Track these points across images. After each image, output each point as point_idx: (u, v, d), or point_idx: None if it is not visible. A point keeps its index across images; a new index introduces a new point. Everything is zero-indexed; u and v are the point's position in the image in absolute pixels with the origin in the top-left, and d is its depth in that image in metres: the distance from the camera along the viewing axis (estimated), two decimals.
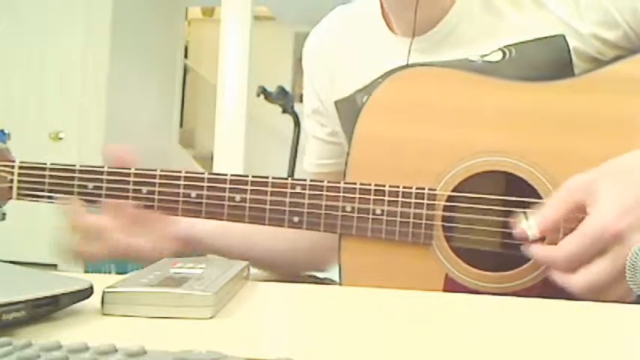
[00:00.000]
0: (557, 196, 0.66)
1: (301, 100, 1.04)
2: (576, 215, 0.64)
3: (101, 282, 0.49)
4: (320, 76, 0.97)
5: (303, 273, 0.99)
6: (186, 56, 7.26)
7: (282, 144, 4.87)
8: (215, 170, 4.04)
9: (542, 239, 0.66)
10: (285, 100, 3.95)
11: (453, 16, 0.81)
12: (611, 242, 0.60)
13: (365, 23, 0.90)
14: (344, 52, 0.93)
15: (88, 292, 0.47)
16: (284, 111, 3.97)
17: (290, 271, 0.97)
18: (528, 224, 0.65)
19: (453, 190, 0.73)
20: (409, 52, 0.83)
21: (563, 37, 0.76)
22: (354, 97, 0.89)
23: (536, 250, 0.65)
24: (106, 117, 5.13)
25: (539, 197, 0.70)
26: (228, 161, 4.23)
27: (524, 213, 0.67)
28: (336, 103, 0.93)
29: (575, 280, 0.62)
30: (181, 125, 6.79)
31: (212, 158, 4.38)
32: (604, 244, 0.60)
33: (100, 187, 0.80)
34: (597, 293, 0.62)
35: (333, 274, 0.81)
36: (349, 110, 0.90)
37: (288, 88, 4.24)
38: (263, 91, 3.94)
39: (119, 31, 5.19)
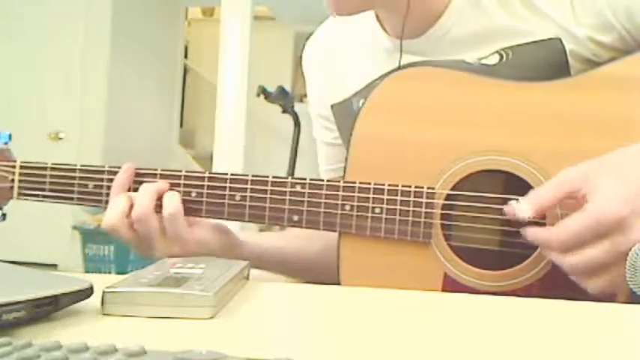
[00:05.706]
0: (553, 182, 0.66)
1: (301, 100, 1.04)
2: (568, 203, 0.64)
3: (101, 282, 0.49)
4: (320, 80, 0.97)
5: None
6: (186, 56, 7.24)
7: (282, 144, 4.86)
8: (215, 170, 4.03)
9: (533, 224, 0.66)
10: (285, 100, 3.95)
11: (447, 20, 0.81)
12: (612, 228, 0.61)
13: (361, 27, 0.90)
14: (341, 56, 0.93)
15: (88, 292, 0.47)
16: (284, 111, 3.96)
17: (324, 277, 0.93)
18: (520, 202, 0.66)
19: (452, 189, 0.73)
20: (400, 53, 0.82)
21: (560, 39, 0.76)
22: (350, 100, 0.90)
23: (533, 231, 0.66)
24: (106, 117, 5.12)
25: None
26: (228, 161, 4.22)
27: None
28: (332, 106, 0.94)
29: (570, 259, 0.63)
30: (181, 125, 6.78)
31: (212, 158, 4.37)
32: (605, 228, 0.61)
33: (101, 187, 0.80)
34: (589, 275, 0.63)
35: None
36: (345, 114, 0.90)
37: (288, 88, 4.24)
38: (263, 91, 3.94)
39: (119, 31, 5.18)
